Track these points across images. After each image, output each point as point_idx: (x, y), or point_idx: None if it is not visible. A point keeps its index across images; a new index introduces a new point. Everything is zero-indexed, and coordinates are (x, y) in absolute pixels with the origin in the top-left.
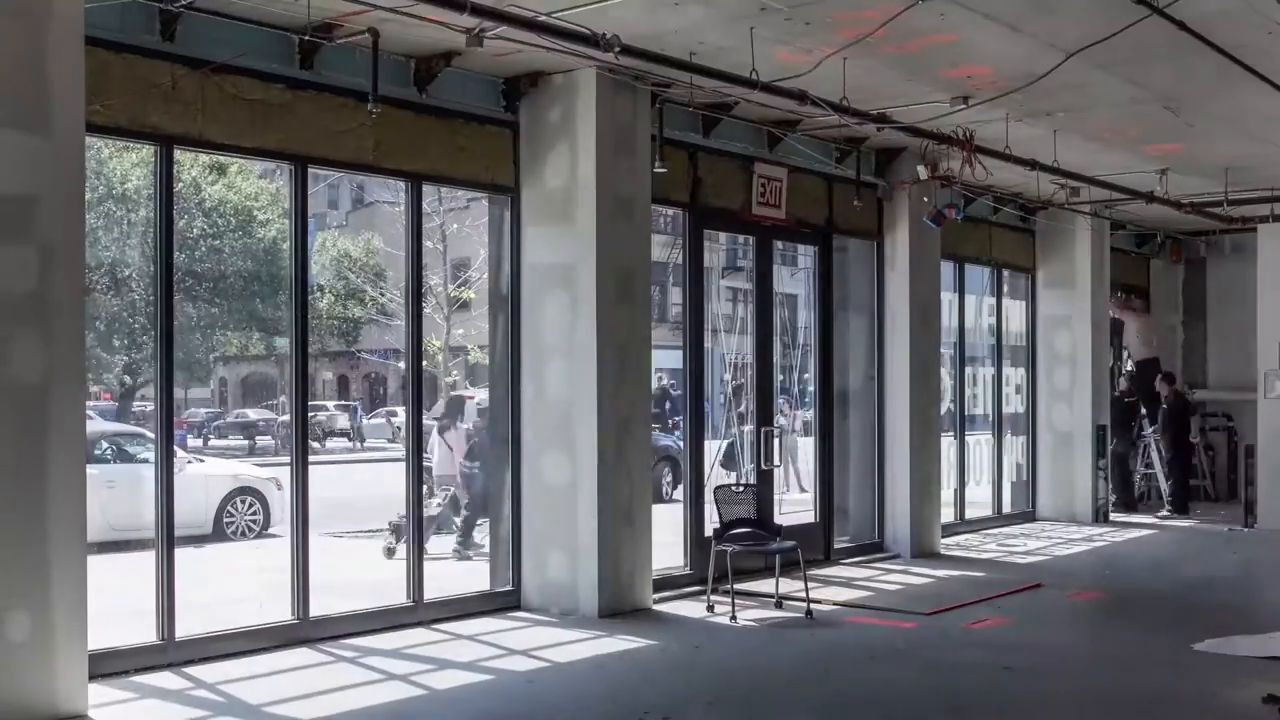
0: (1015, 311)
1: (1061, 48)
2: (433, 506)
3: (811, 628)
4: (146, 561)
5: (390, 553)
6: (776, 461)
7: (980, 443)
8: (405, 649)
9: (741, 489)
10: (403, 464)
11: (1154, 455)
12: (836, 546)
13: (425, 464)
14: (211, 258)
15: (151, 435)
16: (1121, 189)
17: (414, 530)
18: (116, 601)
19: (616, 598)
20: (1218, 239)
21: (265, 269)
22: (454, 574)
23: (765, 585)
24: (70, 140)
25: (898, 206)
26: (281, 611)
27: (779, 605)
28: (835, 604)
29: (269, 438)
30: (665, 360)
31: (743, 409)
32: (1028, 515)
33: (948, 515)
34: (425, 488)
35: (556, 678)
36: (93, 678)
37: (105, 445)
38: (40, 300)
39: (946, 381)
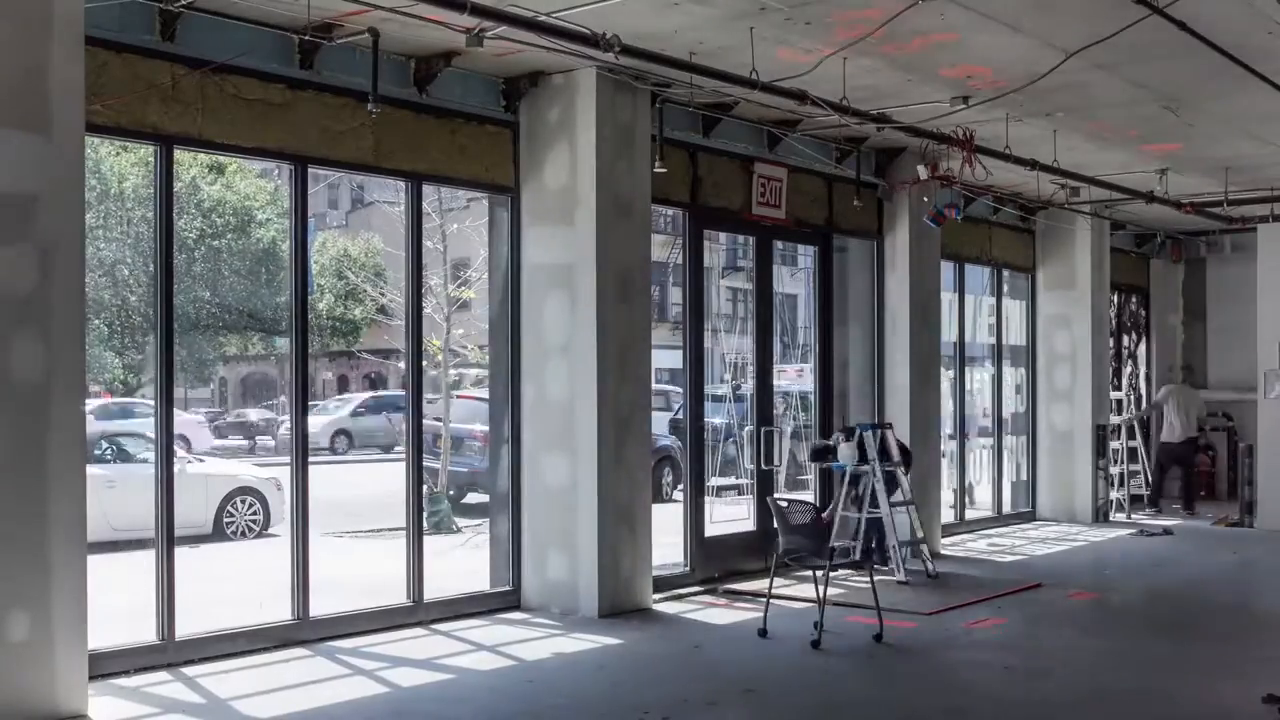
0: (1015, 311)
1: (1061, 48)
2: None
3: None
4: (146, 561)
5: None
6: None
7: (980, 443)
8: (404, 649)
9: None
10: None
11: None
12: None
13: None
14: (211, 258)
15: (151, 435)
16: (1121, 189)
17: (413, 531)
18: (117, 601)
19: (616, 598)
20: (1218, 239)
21: (264, 268)
22: (454, 574)
23: (765, 585)
24: (70, 140)
25: (898, 206)
26: (281, 612)
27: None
28: (835, 604)
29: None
30: (665, 360)
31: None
32: (1028, 515)
33: (948, 515)
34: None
35: (556, 677)
36: (92, 678)
37: (105, 445)
38: (40, 300)
39: (946, 382)
